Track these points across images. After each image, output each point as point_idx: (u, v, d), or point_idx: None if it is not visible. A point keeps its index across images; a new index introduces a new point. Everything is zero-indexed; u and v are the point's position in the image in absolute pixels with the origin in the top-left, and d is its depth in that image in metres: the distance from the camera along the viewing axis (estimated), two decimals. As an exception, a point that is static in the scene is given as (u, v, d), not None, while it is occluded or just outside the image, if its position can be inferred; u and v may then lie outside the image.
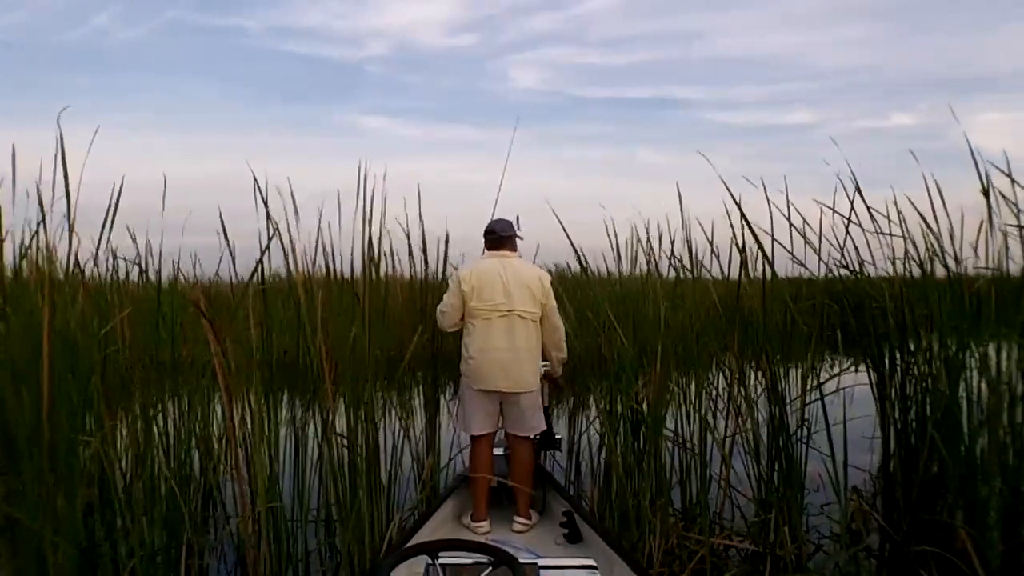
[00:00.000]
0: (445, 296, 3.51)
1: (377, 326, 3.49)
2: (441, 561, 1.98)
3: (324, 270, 3.54)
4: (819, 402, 3.45)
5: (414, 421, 4.03)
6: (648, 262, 4.07)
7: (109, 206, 2.82)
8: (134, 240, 3.41)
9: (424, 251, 4.26)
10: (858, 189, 3.51)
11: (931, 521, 3.16)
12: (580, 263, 4.09)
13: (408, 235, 4.19)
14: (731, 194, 3.47)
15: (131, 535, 2.62)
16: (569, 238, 3.93)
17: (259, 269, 3.24)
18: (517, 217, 3.67)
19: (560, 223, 3.81)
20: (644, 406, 3.73)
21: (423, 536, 2.91)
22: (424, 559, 1.98)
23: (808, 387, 3.45)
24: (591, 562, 2.34)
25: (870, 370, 3.66)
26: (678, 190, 3.81)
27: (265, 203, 3.28)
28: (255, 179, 3.27)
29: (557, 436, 3.76)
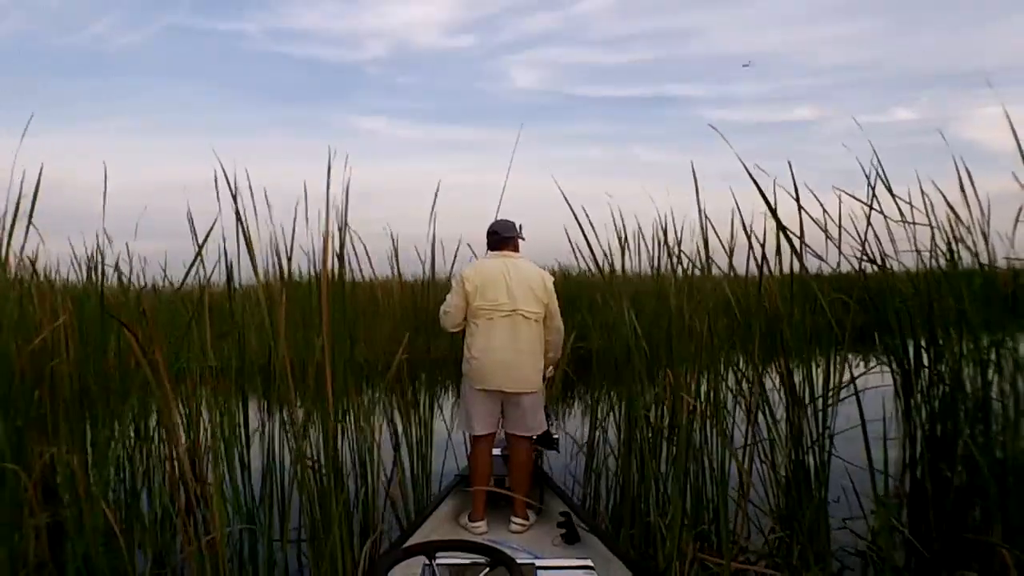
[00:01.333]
0: (448, 296, 3.46)
1: (343, 335, 3.21)
2: (439, 561, 1.96)
3: (284, 274, 3.28)
4: (839, 406, 3.17)
5: (387, 435, 3.80)
6: (667, 259, 3.74)
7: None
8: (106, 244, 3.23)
9: (396, 253, 4.15)
10: (881, 177, 3.21)
11: (966, 537, 2.87)
12: (595, 261, 3.65)
13: (395, 238, 4.06)
14: (760, 189, 3.12)
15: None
16: (585, 234, 3.57)
17: (224, 272, 3.09)
18: (520, 226, 3.62)
19: (576, 219, 3.46)
20: (663, 412, 3.47)
21: (421, 536, 2.88)
22: (421, 559, 1.96)
23: (831, 389, 3.14)
24: (588, 563, 2.31)
25: (893, 369, 3.38)
26: (696, 183, 3.43)
27: (234, 197, 3.00)
28: (220, 176, 3.01)
29: (555, 436, 3.71)
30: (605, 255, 3.72)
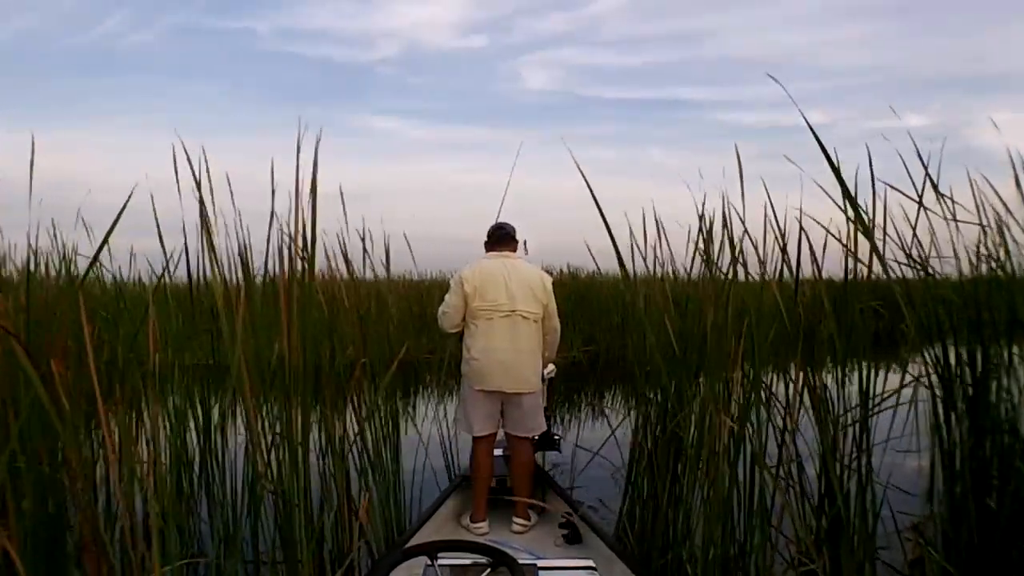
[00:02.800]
0: (447, 296, 3.45)
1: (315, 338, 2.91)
2: (440, 562, 1.95)
3: (246, 272, 2.96)
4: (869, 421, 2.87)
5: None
6: (703, 263, 3.33)
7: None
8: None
9: (365, 252, 3.74)
10: (929, 177, 2.85)
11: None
12: (622, 264, 3.28)
13: (368, 238, 3.70)
14: (843, 185, 2.74)
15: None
16: (613, 239, 3.15)
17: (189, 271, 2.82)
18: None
19: (606, 225, 3.05)
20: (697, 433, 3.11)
21: (422, 537, 2.87)
22: (423, 560, 1.95)
23: (868, 403, 2.80)
24: (590, 563, 2.30)
25: (931, 381, 3.04)
26: (741, 186, 3.10)
27: (198, 185, 2.69)
28: (176, 157, 2.68)
29: (556, 437, 3.73)
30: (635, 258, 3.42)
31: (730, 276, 3.05)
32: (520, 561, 1.93)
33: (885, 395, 2.81)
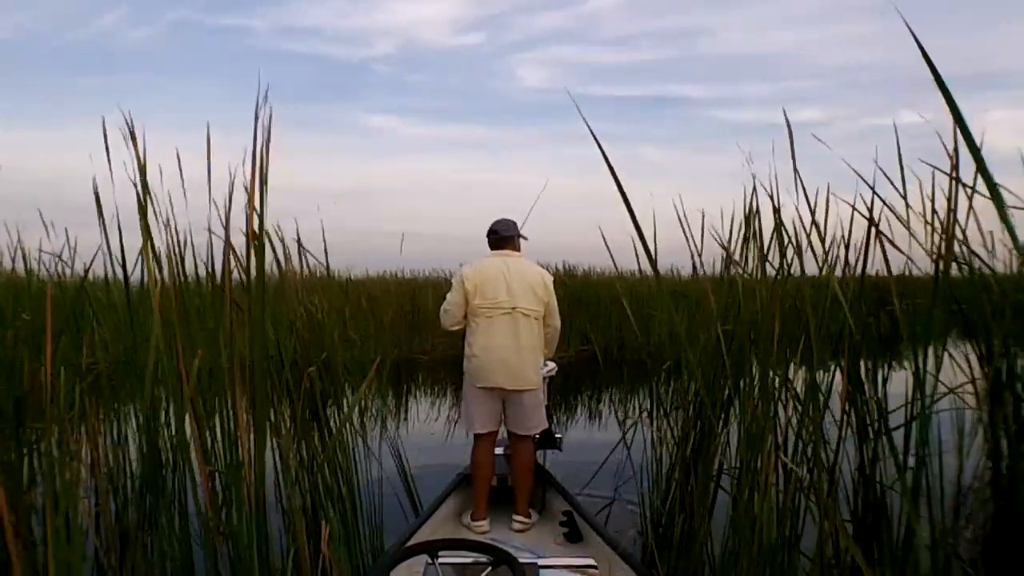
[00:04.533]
0: (448, 294, 3.46)
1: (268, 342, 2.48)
2: (441, 560, 1.94)
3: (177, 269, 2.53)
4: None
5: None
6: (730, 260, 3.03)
7: None
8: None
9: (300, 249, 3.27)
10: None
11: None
12: (652, 264, 2.93)
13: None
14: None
15: None
16: (644, 240, 2.81)
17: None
18: (517, 225, 3.58)
19: (634, 219, 2.74)
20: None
21: (423, 535, 2.87)
22: (423, 558, 1.95)
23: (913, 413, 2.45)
24: (591, 561, 2.28)
25: (976, 386, 2.70)
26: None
27: (138, 178, 2.31)
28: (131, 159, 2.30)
29: (557, 435, 3.71)
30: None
31: (787, 272, 2.67)
32: (521, 560, 1.90)
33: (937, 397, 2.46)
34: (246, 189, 2.15)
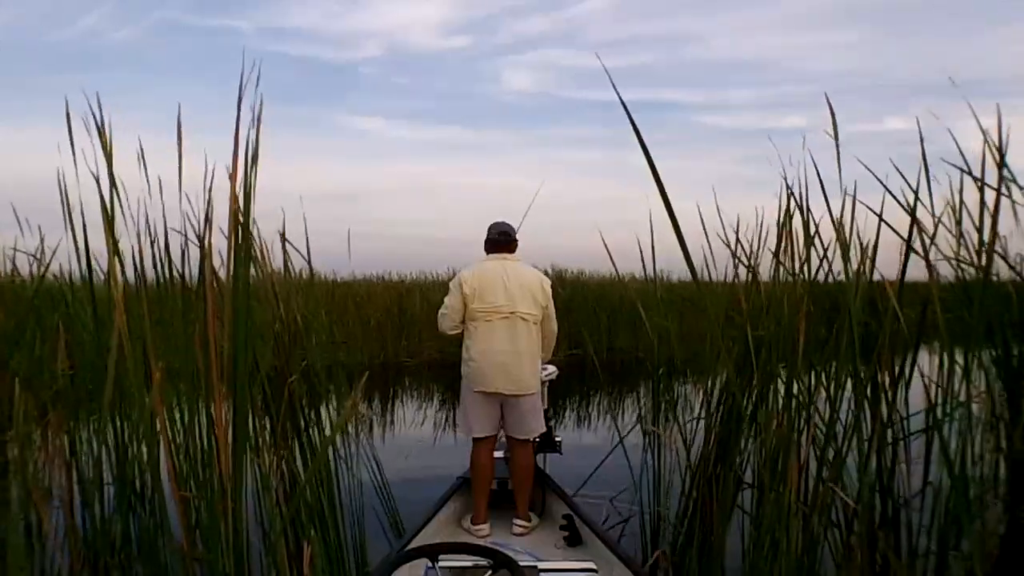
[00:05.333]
0: (446, 299, 3.42)
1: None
2: (441, 564, 1.94)
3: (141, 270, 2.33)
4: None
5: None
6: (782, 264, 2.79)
7: None
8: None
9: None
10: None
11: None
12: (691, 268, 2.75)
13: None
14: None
15: None
16: (685, 248, 2.66)
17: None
18: (515, 229, 3.55)
19: (675, 221, 2.58)
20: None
21: (423, 539, 2.87)
22: (424, 562, 1.95)
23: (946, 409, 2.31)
24: (591, 565, 2.28)
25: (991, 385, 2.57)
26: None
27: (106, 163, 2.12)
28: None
29: (557, 439, 3.71)
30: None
31: (815, 276, 2.53)
32: (521, 563, 1.90)
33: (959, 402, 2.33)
34: (229, 176, 1.98)
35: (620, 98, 1.37)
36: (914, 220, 2.38)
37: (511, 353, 3.26)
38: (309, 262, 3.18)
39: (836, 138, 2.30)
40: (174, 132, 2.10)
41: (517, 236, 3.53)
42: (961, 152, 2.39)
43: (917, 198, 2.38)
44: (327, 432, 2.85)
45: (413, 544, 2.66)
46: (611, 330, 11.62)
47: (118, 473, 2.26)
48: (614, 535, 3.23)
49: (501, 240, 3.47)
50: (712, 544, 2.62)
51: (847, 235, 2.36)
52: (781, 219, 2.53)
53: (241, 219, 1.95)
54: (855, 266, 2.35)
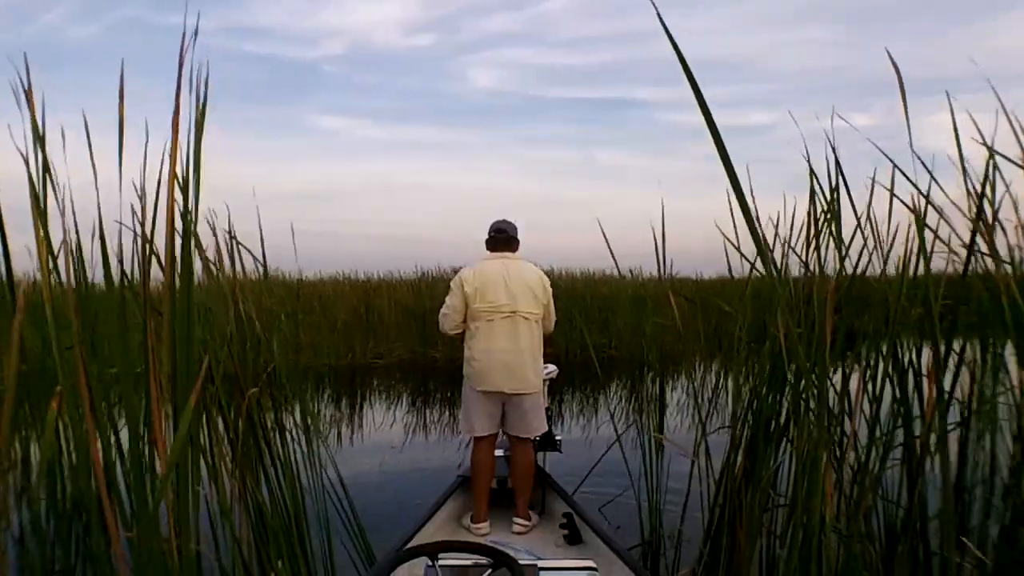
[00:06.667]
0: (447, 299, 3.43)
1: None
2: (441, 562, 1.92)
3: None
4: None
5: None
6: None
7: None
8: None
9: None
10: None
11: None
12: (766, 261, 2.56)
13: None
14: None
15: None
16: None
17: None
18: (516, 227, 3.54)
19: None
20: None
21: (423, 537, 2.88)
22: (424, 560, 1.93)
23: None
24: (591, 564, 2.26)
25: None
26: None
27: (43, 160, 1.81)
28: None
29: (557, 438, 3.70)
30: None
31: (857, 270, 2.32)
32: (521, 562, 1.87)
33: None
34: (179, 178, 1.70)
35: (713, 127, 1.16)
36: (938, 213, 2.22)
37: (513, 352, 3.27)
38: (265, 263, 2.86)
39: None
40: (130, 130, 1.80)
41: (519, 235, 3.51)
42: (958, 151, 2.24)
43: (938, 186, 2.21)
44: (289, 447, 2.55)
45: (413, 543, 2.66)
46: (583, 329, 11.48)
47: (48, 498, 1.95)
48: (614, 534, 3.15)
49: (502, 239, 3.47)
50: (740, 565, 2.40)
51: (875, 227, 2.17)
52: (820, 212, 2.30)
53: (180, 211, 1.67)
54: (897, 259, 2.14)
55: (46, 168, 1.86)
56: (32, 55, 1.86)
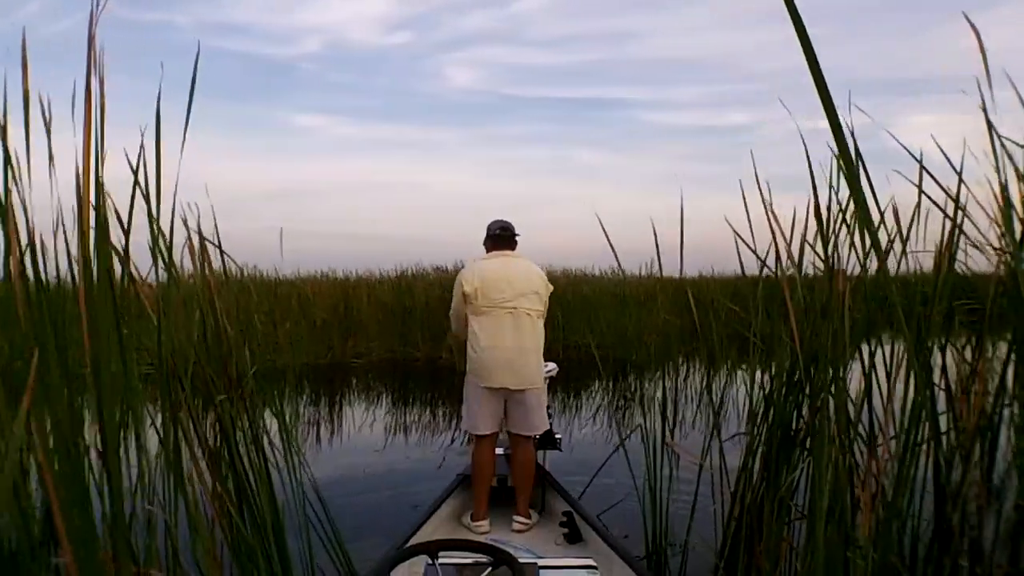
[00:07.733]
0: (453, 301, 3.46)
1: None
2: (441, 561, 1.91)
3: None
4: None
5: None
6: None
7: None
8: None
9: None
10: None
11: None
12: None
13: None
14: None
15: None
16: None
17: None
18: (514, 226, 3.57)
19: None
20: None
21: (423, 536, 2.89)
22: (424, 559, 1.92)
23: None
24: (591, 562, 2.24)
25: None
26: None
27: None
28: None
29: (557, 436, 3.69)
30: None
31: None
32: (521, 560, 1.88)
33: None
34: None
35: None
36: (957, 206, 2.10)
37: (516, 349, 3.27)
38: (226, 260, 2.66)
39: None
40: (111, 127, 1.62)
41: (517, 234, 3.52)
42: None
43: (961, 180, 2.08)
44: (265, 455, 2.36)
45: (413, 541, 2.68)
46: (567, 327, 11.36)
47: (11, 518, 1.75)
48: (613, 532, 3.11)
49: (505, 236, 3.49)
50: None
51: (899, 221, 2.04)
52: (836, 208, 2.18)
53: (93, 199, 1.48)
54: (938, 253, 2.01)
55: (7, 162, 1.69)
56: (5, 51, 1.71)
